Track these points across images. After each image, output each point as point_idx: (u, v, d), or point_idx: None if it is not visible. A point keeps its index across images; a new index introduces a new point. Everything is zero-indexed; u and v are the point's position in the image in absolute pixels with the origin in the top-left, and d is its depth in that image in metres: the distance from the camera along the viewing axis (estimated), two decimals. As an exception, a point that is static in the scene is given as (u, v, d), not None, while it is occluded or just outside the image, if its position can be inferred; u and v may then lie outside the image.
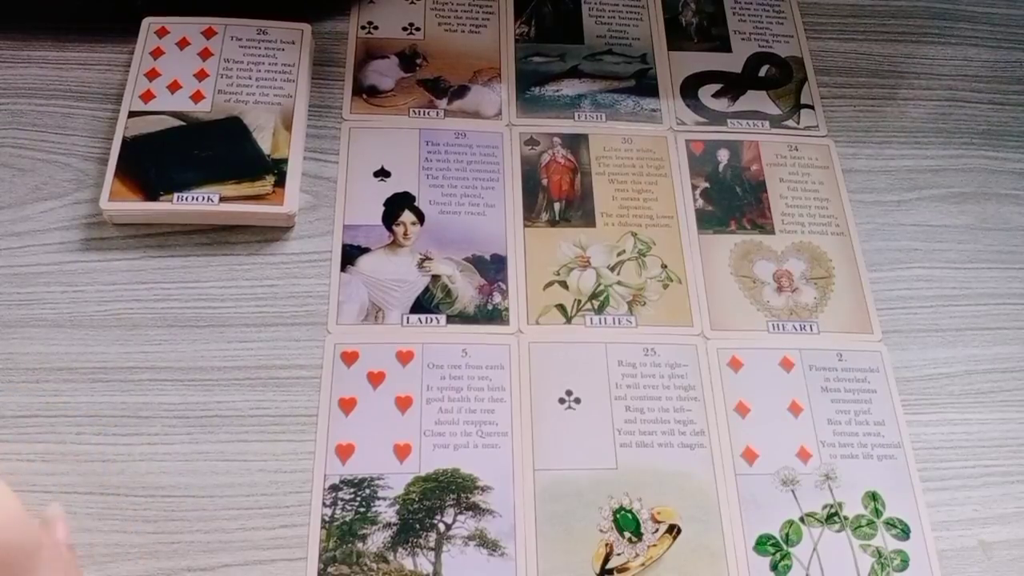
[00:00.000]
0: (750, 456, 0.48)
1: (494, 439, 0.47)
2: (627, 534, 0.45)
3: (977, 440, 0.50)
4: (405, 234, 0.53)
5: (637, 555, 0.45)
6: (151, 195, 0.50)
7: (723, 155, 0.58)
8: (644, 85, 0.60)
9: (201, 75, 0.55)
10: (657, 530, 0.45)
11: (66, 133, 0.54)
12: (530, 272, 0.52)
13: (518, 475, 0.46)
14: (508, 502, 0.45)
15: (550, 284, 0.52)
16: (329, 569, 0.43)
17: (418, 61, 0.59)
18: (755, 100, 0.60)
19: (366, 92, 0.58)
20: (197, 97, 0.54)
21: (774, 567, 0.45)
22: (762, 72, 0.62)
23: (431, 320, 0.50)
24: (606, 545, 0.45)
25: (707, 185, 0.56)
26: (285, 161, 0.52)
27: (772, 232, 0.55)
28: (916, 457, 0.49)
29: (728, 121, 0.59)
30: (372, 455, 0.46)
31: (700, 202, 0.56)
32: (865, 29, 0.65)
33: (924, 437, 0.50)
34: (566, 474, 0.46)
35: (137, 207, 0.50)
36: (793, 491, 0.47)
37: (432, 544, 0.44)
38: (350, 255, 0.52)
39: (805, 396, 0.50)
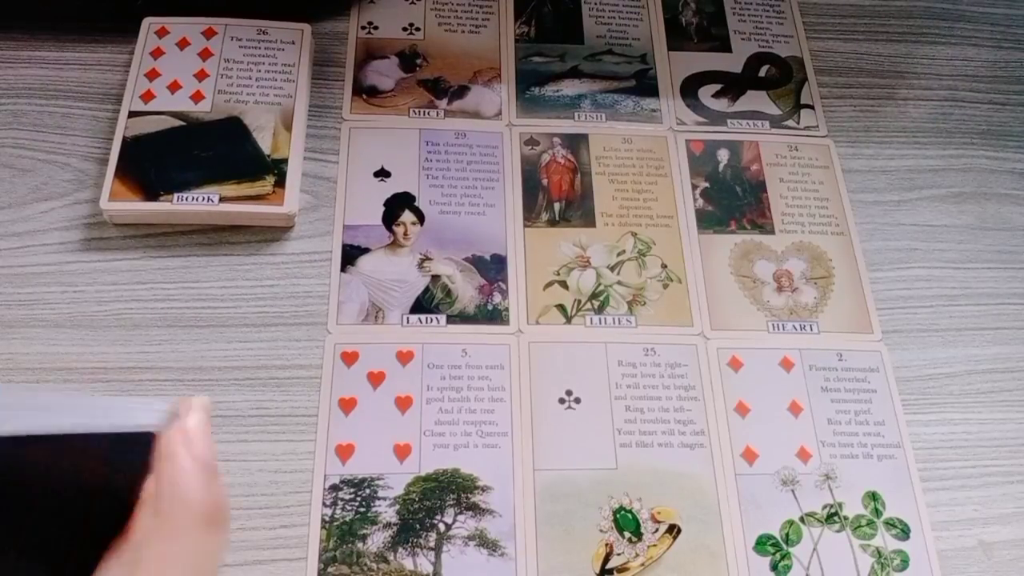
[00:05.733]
0: (750, 456, 0.48)
1: (494, 439, 0.47)
2: (627, 534, 0.45)
3: (977, 440, 0.50)
4: (405, 234, 0.53)
5: (637, 555, 0.45)
6: (151, 195, 0.50)
7: (723, 155, 0.58)
8: (644, 85, 0.60)
9: (201, 75, 0.55)
10: (657, 530, 0.45)
11: (66, 133, 0.54)
12: (530, 272, 0.52)
13: (518, 475, 0.46)
14: (508, 502, 0.45)
15: (550, 284, 0.52)
16: (329, 569, 0.43)
17: (418, 61, 0.59)
18: (755, 100, 0.60)
19: (366, 92, 0.58)
20: (197, 97, 0.54)
21: (774, 567, 0.45)
22: (762, 72, 0.62)
23: (431, 320, 0.50)
24: (606, 545, 0.45)
25: (707, 185, 0.56)
26: (285, 161, 0.52)
27: (772, 232, 0.55)
28: (916, 457, 0.49)
29: (728, 121, 0.59)
30: (372, 455, 0.46)
31: (700, 202, 0.56)
32: (865, 29, 0.65)
33: (924, 437, 0.50)
34: (566, 474, 0.46)
35: (137, 207, 0.50)
36: (793, 491, 0.47)
37: (432, 544, 0.44)
38: (350, 255, 0.52)
39: (805, 396, 0.50)
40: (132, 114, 0.53)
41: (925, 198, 0.58)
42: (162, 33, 0.56)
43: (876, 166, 0.59)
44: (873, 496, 0.48)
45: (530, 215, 0.54)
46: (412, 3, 0.62)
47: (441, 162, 0.55)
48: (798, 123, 0.60)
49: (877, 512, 0.47)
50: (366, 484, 0.45)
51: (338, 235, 0.52)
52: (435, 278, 0.51)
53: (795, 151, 0.58)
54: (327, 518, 0.44)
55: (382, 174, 0.54)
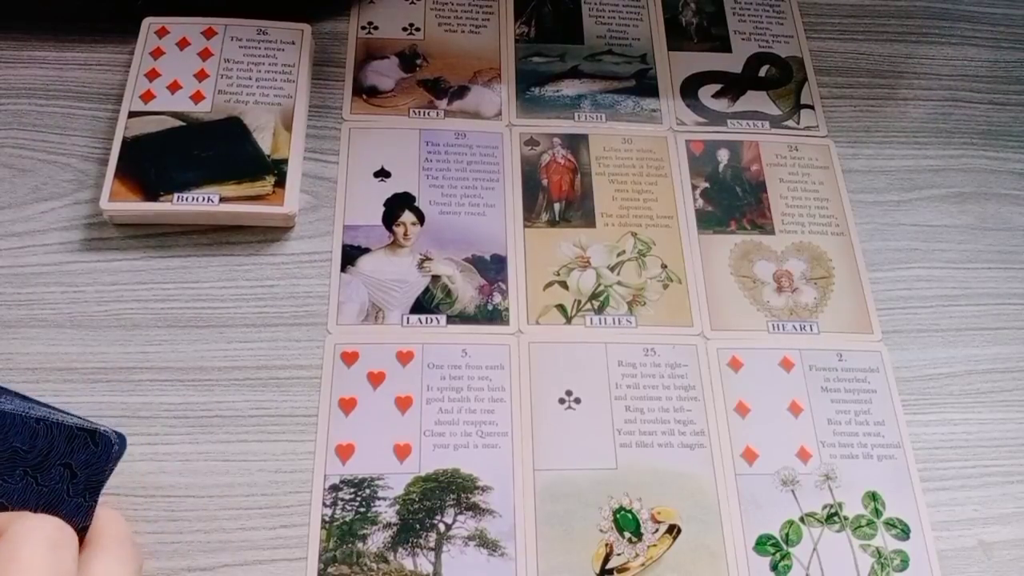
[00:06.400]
0: (750, 456, 0.48)
1: (494, 439, 0.47)
2: (627, 534, 0.45)
3: (977, 440, 0.50)
4: (405, 234, 0.53)
5: (637, 555, 0.45)
6: (151, 195, 0.50)
7: (723, 155, 0.58)
8: (644, 85, 0.60)
9: (201, 75, 0.55)
10: (657, 530, 0.46)
11: (66, 133, 0.54)
12: (530, 272, 0.52)
13: (518, 475, 0.46)
14: (508, 502, 0.45)
15: (550, 284, 0.52)
16: (329, 569, 0.43)
17: (418, 61, 0.59)
18: (755, 100, 0.60)
19: (366, 92, 0.58)
20: (197, 97, 0.54)
21: (774, 567, 0.45)
22: (762, 72, 0.62)
23: (431, 320, 0.50)
24: (606, 545, 0.45)
25: (707, 185, 0.56)
26: (285, 161, 0.52)
27: (772, 232, 0.55)
28: (916, 457, 0.49)
29: (728, 121, 0.59)
30: (372, 455, 0.46)
31: (700, 202, 0.56)
32: (865, 29, 0.65)
33: (924, 437, 0.50)
34: (566, 474, 0.46)
35: (137, 207, 0.50)
36: (793, 491, 0.47)
37: (432, 544, 0.44)
38: (350, 255, 0.52)
39: (805, 396, 0.50)
40: (132, 114, 0.53)
41: (925, 198, 0.58)
42: (162, 33, 0.56)
43: (876, 166, 0.59)
44: (873, 496, 0.48)
45: (530, 215, 0.54)
46: (412, 3, 0.62)
47: (441, 162, 0.55)
48: (798, 123, 0.60)
49: (877, 512, 0.47)
50: (366, 484, 0.45)
51: (338, 235, 0.52)
52: (435, 278, 0.51)
53: (795, 151, 0.59)
54: (327, 518, 0.44)
55: (382, 174, 0.54)
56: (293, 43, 0.57)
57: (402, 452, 0.46)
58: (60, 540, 0.33)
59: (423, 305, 0.50)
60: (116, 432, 0.36)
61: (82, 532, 0.36)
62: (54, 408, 0.36)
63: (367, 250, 0.52)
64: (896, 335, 0.53)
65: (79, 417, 0.36)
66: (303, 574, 0.43)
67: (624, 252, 0.54)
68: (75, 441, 0.35)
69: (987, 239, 0.57)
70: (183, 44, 0.56)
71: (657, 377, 0.50)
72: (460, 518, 0.45)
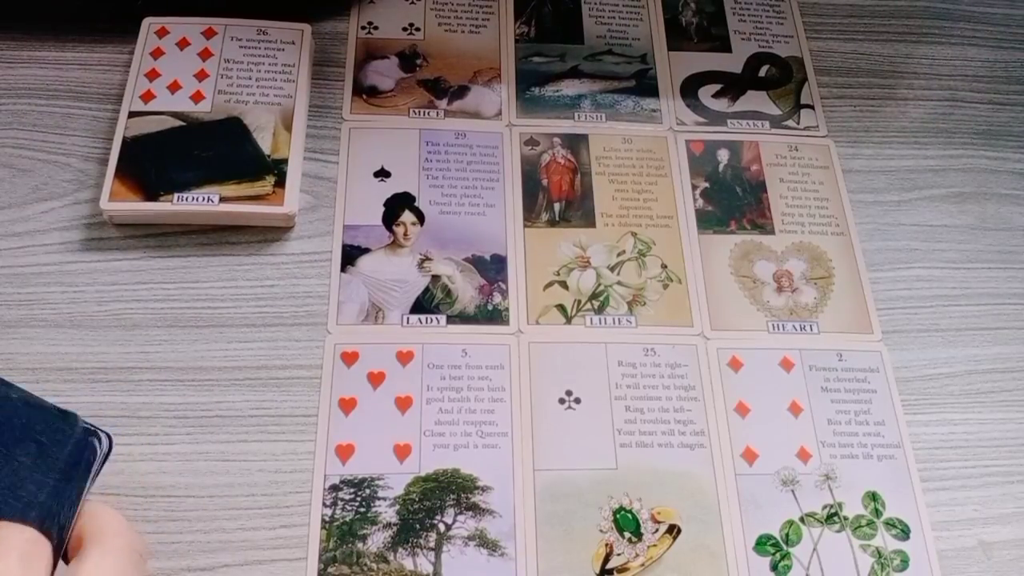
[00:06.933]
0: (750, 456, 0.48)
1: (494, 439, 0.47)
2: (627, 534, 0.45)
3: (977, 440, 0.50)
4: (405, 234, 0.53)
5: (637, 555, 0.45)
6: (151, 195, 0.50)
7: (723, 155, 0.58)
8: (644, 85, 0.60)
9: (201, 75, 0.55)
10: (657, 530, 0.46)
11: (66, 133, 0.54)
12: (530, 272, 0.52)
13: (518, 475, 0.46)
14: (508, 502, 0.45)
15: (550, 284, 0.52)
16: (329, 569, 0.43)
17: (418, 61, 0.59)
18: (755, 100, 0.60)
19: (366, 92, 0.58)
20: (197, 97, 0.54)
21: (774, 567, 0.45)
22: (762, 72, 0.62)
23: (431, 320, 0.50)
24: (606, 545, 0.45)
25: (707, 185, 0.56)
26: (285, 161, 0.52)
27: (772, 232, 0.55)
28: (916, 457, 0.49)
29: (728, 121, 0.59)
30: (372, 455, 0.46)
31: (700, 202, 0.56)
32: (865, 29, 0.65)
33: (924, 437, 0.50)
34: (566, 474, 0.46)
35: (137, 207, 0.50)
36: (793, 491, 0.47)
37: (432, 544, 0.44)
38: (350, 255, 0.52)
39: (805, 396, 0.50)
40: (132, 114, 0.53)
41: (925, 198, 0.58)
42: (162, 33, 0.56)
43: (876, 166, 0.59)
44: (873, 496, 0.48)
45: (530, 215, 0.54)
46: (412, 3, 0.62)
47: (441, 162, 0.55)
48: (798, 123, 0.60)
49: (877, 512, 0.47)
50: (366, 484, 0.45)
51: (338, 235, 0.52)
52: (435, 278, 0.51)
53: (795, 151, 0.59)
54: (327, 518, 0.44)
55: (382, 174, 0.54)
56: (293, 43, 0.57)
57: (402, 452, 0.46)
58: (32, 552, 0.33)
59: (423, 305, 0.50)
60: (104, 431, 0.36)
61: (61, 531, 0.35)
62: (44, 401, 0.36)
63: (367, 250, 0.52)
64: (896, 335, 0.53)
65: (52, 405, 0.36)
66: (303, 574, 0.43)
67: (624, 252, 0.54)
68: (48, 420, 0.34)
69: (987, 239, 0.57)
70: (183, 44, 0.56)
71: (657, 377, 0.50)
72: (460, 518, 0.45)
